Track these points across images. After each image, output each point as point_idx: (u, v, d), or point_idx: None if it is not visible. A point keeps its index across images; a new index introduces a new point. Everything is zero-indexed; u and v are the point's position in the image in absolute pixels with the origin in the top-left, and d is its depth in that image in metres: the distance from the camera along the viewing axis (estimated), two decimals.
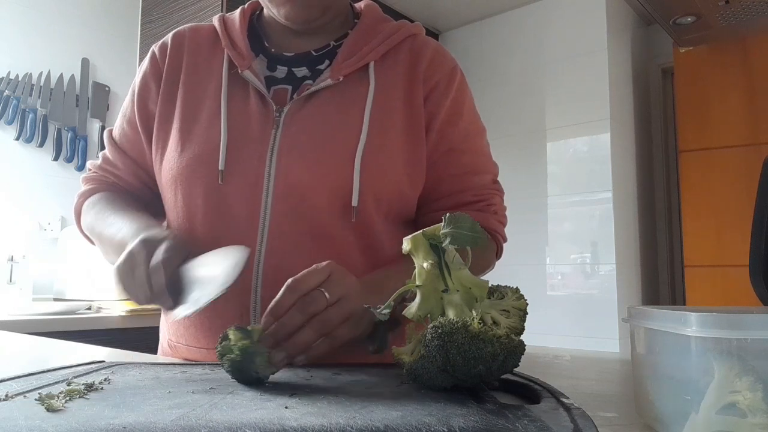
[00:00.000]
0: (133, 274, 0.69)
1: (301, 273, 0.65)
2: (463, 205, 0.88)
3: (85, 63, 2.60)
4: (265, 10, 0.93)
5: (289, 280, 0.64)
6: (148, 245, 0.69)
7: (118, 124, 0.97)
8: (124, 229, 0.82)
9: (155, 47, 0.95)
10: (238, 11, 0.94)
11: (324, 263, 0.66)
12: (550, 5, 3.08)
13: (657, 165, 3.28)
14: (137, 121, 0.92)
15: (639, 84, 3.18)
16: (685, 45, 2.96)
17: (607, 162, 2.82)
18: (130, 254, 0.70)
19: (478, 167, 0.91)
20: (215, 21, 0.94)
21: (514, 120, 3.13)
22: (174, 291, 0.66)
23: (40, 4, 2.49)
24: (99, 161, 0.99)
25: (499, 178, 0.95)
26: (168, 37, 0.95)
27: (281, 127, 0.82)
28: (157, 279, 0.66)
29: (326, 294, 0.63)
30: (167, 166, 0.86)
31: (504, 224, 0.93)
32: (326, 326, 0.62)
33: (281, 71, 0.88)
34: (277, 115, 0.83)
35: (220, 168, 0.80)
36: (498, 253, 0.94)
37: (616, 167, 2.85)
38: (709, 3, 2.52)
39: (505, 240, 0.94)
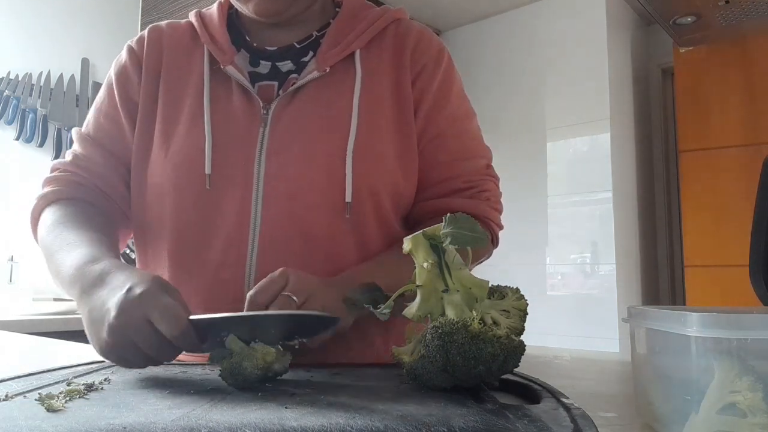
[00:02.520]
0: (137, 351, 0.57)
1: (257, 284, 0.64)
2: (454, 192, 0.86)
3: (85, 63, 2.60)
4: None
5: (249, 293, 0.64)
6: (132, 318, 0.56)
7: (92, 120, 0.89)
8: (66, 264, 0.69)
9: (131, 42, 0.90)
10: (215, 6, 0.90)
11: (278, 270, 0.66)
12: (550, 5, 3.08)
13: (657, 165, 3.28)
14: (121, 111, 0.86)
15: (639, 84, 3.18)
16: (685, 45, 2.96)
17: (607, 162, 2.82)
18: (115, 335, 0.57)
19: (468, 152, 0.88)
20: (192, 17, 0.90)
21: (514, 120, 3.13)
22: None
23: (40, 4, 2.49)
24: (68, 159, 0.88)
25: (493, 166, 0.92)
26: (144, 32, 0.90)
27: (269, 124, 0.79)
28: (185, 346, 0.57)
29: (294, 297, 0.63)
30: (151, 172, 0.82)
31: (499, 211, 0.90)
32: None
33: (264, 66, 0.85)
34: (265, 112, 0.80)
35: (206, 172, 0.77)
36: (494, 241, 0.91)
37: (616, 167, 2.85)
38: (709, 3, 2.52)
39: (500, 227, 0.90)
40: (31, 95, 2.42)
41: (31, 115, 2.41)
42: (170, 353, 0.58)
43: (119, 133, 0.87)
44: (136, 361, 0.59)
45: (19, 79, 2.40)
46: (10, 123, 2.38)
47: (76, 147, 0.89)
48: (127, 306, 0.57)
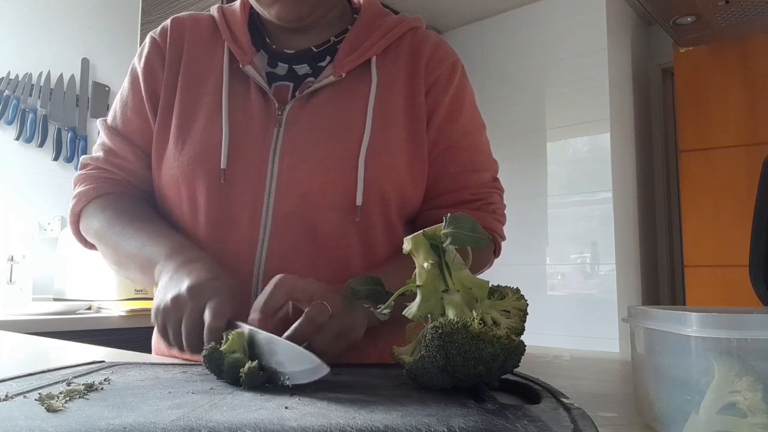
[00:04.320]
0: (179, 324, 0.65)
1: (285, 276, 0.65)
2: (461, 203, 0.87)
3: (85, 63, 2.60)
4: None
5: (277, 277, 0.65)
6: (197, 296, 0.64)
7: (119, 114, 0.90)
8: (150, 246, 0.77)
9: (154, 33, 0.91)
10: (237, 3, 0.91)
11: (310, 279, 0.67)
12: (550, 5, 3.08)
13: (657, 165, 3.28)
14: (147, 107, 0.87)
15: (639, 84, 3.18)
16: (685, 45, 2.96)
17: (607, 162, 2.82)
18: (176, 301, 0.65)
19: (477, 165, 0.90)
20: (214, 12, 0.91)
21: (514, 120, 3.13)
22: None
23: (40, 4, 2.49)
24: (100, 155, 0.90)
25: (499, 178, 0.94)
26: (167, 23, 0.91)
27: (284, 125, 0.81)
28: (210, 340, 0.61)
29: (329, 307, 0.63)
30: (167, 164, 0.83)
31: (502, 223, 0.92)
32: (321, 346, 0.62)
33: (282, 68, 0.87)
34: (279, 113, 0.82)
35: (221, 167, 0.79)
36: (496, 252, 0.94)
37: (616, 167, 2.85)
38: (709, 3, 2.52)
39: (503, 239, 0.93)
40: (31, 95, 2.42)
41: (31, 115, 2.41)
42: (197, 341, 0.63)
43: (148, 128, 0.88)
44: (171, 333, 0.66)
45: (19, 79, 2.40)
46: (10, 123, 2.38)
47: (105, 141, 0.90)
48: (202, 286, 0.65)
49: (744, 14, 2.63)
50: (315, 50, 0.88)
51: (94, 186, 0.88)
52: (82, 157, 0.92)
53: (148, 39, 0.91)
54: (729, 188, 2.78)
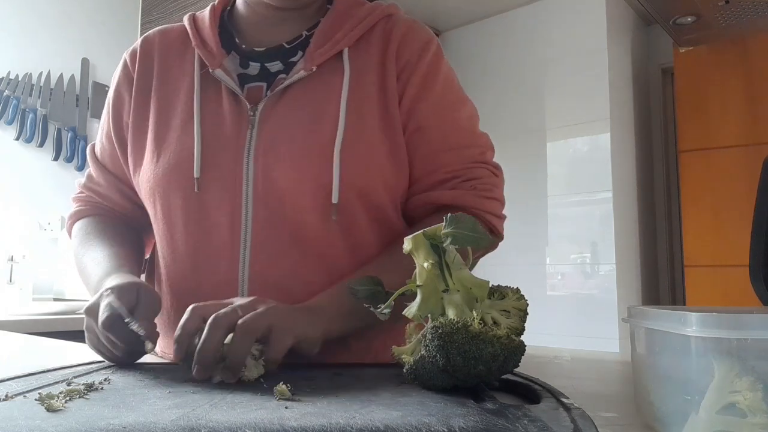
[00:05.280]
0: (103, 348, 0.67)
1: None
2: (437, 184, 0.82)
3: (85, 63, 2.60)
4: (238, 2, 0.89)
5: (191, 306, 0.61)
6: (91, 315, 0.66)
7: (98, 139, 0.94)
8: (91, 279, 0.80)
9: (126, 54, 0.92)
10: (208, 8, 0.90)
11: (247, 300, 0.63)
12: (550, 5, 3.08)
13: (657, 165, 3.28)
14: (112, 134, 0.90)
15: (639, 84, 3.18)
16: (685, 45, 2.96)
17: (607, 162, 2.82)
18: (86, 331, 0.69)
19: (453, 143, 0.82)
20: (185, 20, 0.90)
21: (514, 120, 3.13)
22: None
23: (40, 4, 2.49)
24: (83, 180, 0.96)
25: (489, 155, 0.86)
26: (137, 43, 0.91)
27: (256, 126, 0.78)
28: (119, 350, 0.64)
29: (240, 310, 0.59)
30: (144, 177, 0.83)
31: (494, 199, 0.83)
32: (251, 330, 0.57)
33: (254, 67, 0.84)
34: (252, 114, 0.79)
35: (195, 176, 0.77)
36: (494, 233, 0.84)
37: (616, 167, 2.85)
38: (709, 3, 2.52)
39: (498, 217, 0.84)
40: (31, 95, 2.42)
41: (31, 115, 2.41)
42: (119, 348, 0.64)
43: (115, 152, 0.91)
44: (110, 355, 0.67)
45: (19, 79, 2.40)
46: (10, 123, 2.38)
47: (89, 166, 0.96)
48: (91, 308, 0.67)
49: (744, 14, 2.63)
50: (287, 46, 0.85)
51: (80, 208, 0.95)
52: (76, 181, 1.00)
53: (120, 62, 0.93)
54: (729, 188, 2.78)
